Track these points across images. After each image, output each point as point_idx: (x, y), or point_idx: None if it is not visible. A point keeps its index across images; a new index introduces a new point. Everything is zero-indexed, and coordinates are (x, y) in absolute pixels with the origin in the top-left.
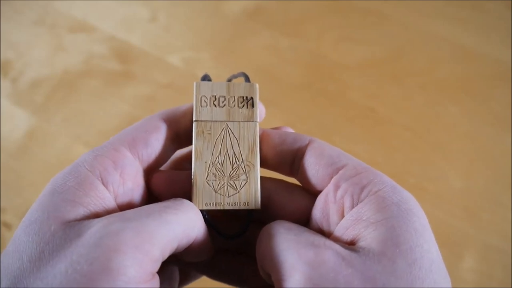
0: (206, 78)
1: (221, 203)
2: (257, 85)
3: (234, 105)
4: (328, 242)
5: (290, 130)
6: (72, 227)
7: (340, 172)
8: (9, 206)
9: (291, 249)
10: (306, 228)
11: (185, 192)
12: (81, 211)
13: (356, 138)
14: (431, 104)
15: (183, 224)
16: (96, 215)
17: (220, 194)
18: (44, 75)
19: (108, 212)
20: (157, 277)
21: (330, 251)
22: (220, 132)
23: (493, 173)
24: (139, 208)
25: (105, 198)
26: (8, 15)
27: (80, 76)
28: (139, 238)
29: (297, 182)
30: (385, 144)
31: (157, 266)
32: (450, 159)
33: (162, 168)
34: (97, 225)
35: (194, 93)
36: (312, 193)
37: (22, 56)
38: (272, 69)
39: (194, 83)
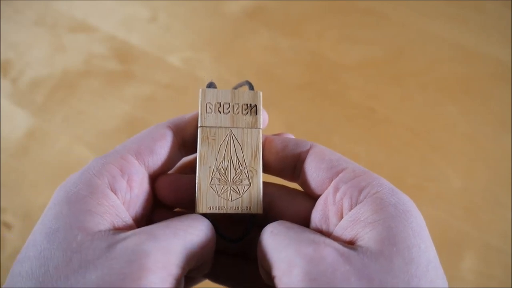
0: (212, 85)
1: (224, 207)
2: (261, 93)
3: (238, 112)
4: (328, 240)
5: (291, 136)
6: (100, 239)
7: (340, 175)
8: (9, 206)
9: (291, 246)
10: (306, 228)
11: (188, 195)
12: (99, 221)
13: (356, 138)
14: (431, 104)
15: (202, 247)
16: (113, 225)
17: (223, 198)
18: (44, 75)
19: (123, 220)
20: None
21: (329, 248)
22: (224, 138)
23: (493, 173)
24: (165, 224)
25: (117, 207)
26: (8, 15)
27: (80, 76)
28: (167, 258)
29: (298, 187)
30: (385, 144)
31: (178, 284)
32: (450, 159)
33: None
34: (128, 241)
35: (200, 99)
36: (312, 197)
37: (22, 56)
38: (272, 69)
39: (200, 90)
